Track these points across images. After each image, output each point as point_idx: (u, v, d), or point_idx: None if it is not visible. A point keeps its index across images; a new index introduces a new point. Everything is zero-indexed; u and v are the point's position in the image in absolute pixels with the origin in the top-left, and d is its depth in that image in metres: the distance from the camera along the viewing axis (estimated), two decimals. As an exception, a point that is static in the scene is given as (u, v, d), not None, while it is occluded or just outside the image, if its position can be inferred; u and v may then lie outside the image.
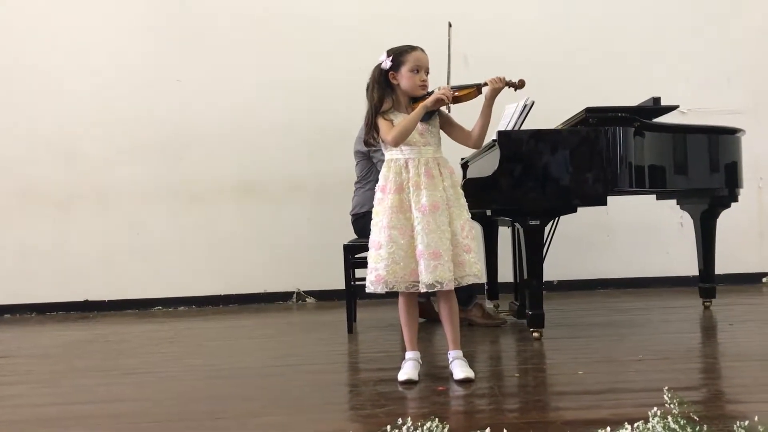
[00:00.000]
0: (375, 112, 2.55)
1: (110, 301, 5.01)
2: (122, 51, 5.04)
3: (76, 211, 5.02)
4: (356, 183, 3.92)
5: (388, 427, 1.84)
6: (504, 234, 4.30)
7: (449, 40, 2.66)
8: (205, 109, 5.04)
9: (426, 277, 2.45)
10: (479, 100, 2.62)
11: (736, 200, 3.82)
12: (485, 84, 2.59)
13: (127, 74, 5.04)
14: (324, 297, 5.01)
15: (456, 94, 2.54)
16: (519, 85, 2.61)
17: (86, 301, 5.02)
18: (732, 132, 3.72)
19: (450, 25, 2.65)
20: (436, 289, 2.47)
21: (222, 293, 5.05)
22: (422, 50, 2.59)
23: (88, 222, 5.02)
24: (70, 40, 5.05)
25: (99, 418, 2.25)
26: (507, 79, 2.58)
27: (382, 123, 2.53)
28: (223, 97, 5.05)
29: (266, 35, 5.06)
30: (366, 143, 2.62)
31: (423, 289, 2.47)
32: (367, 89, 2.61)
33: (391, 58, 2.55)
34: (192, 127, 5.05)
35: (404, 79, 2.56)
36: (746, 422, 1.75)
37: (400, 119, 2.54)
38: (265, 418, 2.16)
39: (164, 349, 3.47)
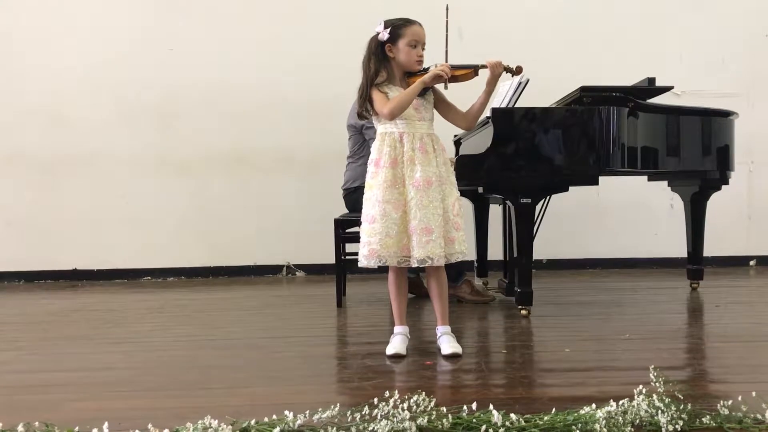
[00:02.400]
0: (370, 83, 2.52)
1: (99, 271, 4.99)
2: (114, 17, 4.95)
3: (64, 180, 4.97)
4: (348, 157, 3.90)
5: (375, 399, 1.85)
6: (494, 212, 4.30)
7: (447, 22, 2.63)
8: (196, 78, 4.97)
9: (417, 253, 2.45)
10: (473, 83, 2.60)
11: (726, 183, 3.83)
12: (483, 66, 2.57)
13: (119, 41, 4.95)
14: (314, 271, 5.01)
15: (454, 72, 2.53)
16: (516, 71, 2.62)
17: (75, 270, 4.99)
18: (725, 114, 3.72)
19: (447, 8, 2.62)
20: (426, 265, 2.48)
21: (211, 265, 5.04)
22: (420, 25, 2.57)
23: (76, 190, 4.96)
24: (59, 5, 4.95)
25: (86, 386, 2.25)
26: (505, 64, 2.58)
27: (376, 95, 2.51)
28: (215, 67, 4.97)
29: (259, 6, 4.98)
30: (359, 115, 2.60)
31: (414, 264, 2.48)
32: (365, 61, 2.57)
33: (388, 30, 2.52)
34: (183, 96, 4.99)
35: (401, 53, 2.53)
36: (729, 402, 1.77)
37: (395, 92, 2.52)
38: (252, 389, 2.17)
39: (152, 319, 3.47)
